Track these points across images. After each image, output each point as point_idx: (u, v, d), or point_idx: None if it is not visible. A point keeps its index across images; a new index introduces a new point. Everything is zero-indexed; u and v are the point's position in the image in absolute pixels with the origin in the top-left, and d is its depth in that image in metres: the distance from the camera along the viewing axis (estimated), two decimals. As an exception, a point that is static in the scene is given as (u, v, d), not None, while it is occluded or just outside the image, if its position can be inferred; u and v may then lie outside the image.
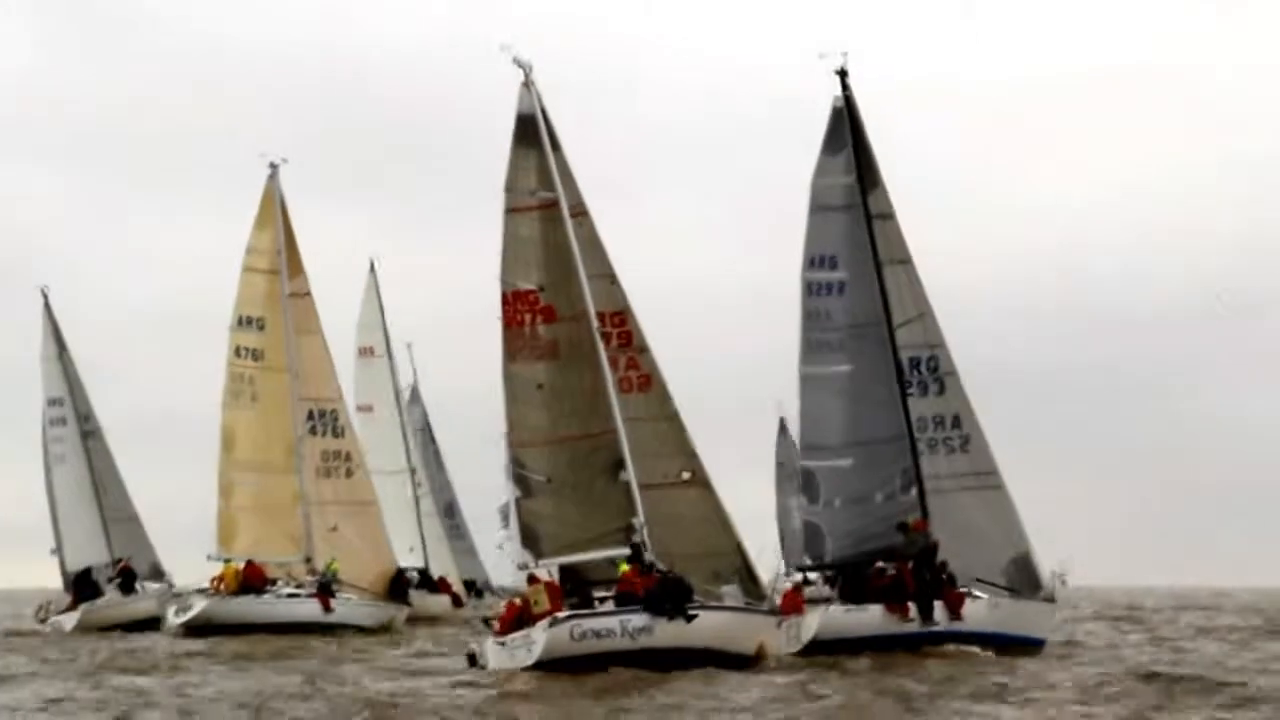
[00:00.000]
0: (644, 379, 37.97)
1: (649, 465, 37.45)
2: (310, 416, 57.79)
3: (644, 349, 38.01)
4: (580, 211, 37.85)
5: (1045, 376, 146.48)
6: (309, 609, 55.28)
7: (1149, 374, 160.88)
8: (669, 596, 35.03)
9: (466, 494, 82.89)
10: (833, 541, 41.53)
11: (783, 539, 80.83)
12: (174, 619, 56.47)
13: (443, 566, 71.89)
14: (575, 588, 36.98)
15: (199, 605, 55.87)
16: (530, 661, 35.07)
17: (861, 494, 41.52)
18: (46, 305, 66.13)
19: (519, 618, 36.50)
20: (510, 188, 37.78)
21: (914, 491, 41.20)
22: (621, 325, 37.90)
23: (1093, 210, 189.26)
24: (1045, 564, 41.08)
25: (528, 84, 37.84)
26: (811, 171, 42.27)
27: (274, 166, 59.06)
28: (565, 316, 37.55)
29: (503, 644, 36.42)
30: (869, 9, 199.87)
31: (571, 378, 37.55)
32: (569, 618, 35.34)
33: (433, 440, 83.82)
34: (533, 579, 37.13)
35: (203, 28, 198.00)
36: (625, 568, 36.12)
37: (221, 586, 56.20)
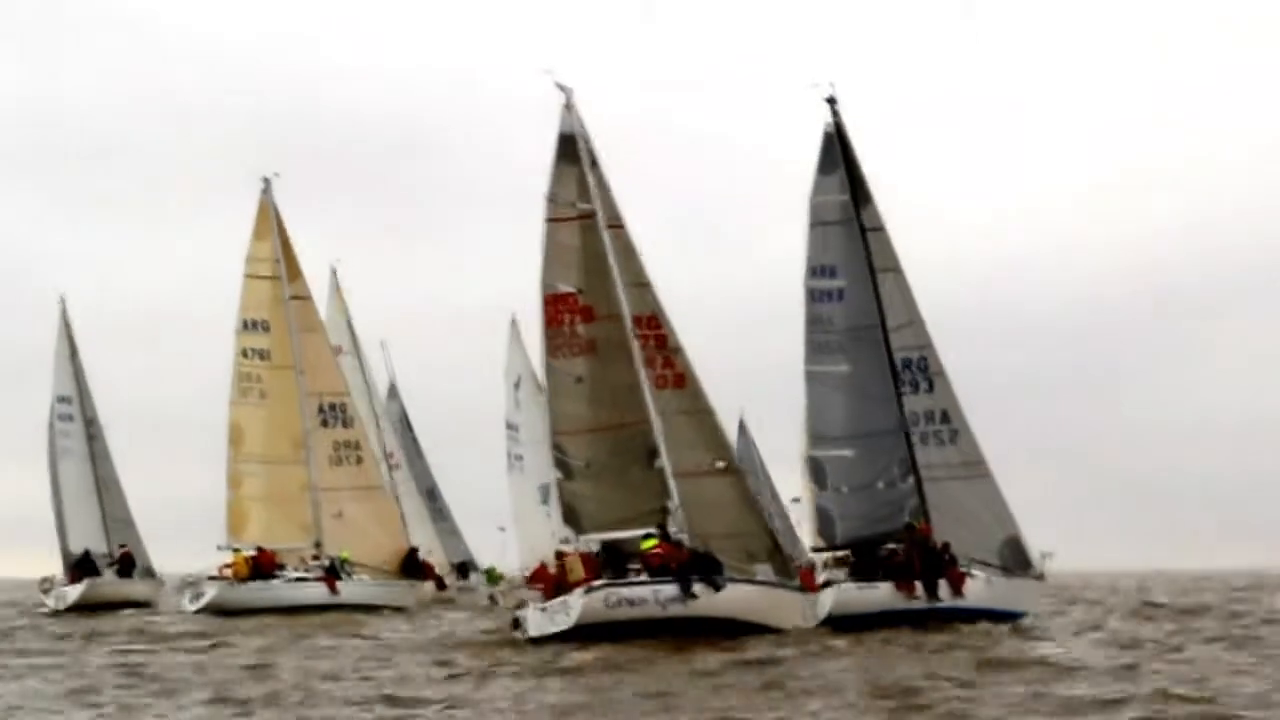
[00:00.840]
0: (679, 376, 41.12)
1: (685, 455, 40.45)
2: (321, 409, 61.50)
3: (678, 349, 41.17)
4: (617, 224, 41.16)
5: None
6: (315, 592, 58.58)
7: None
8: (699, 569, 38.09)
9: (445, 480, 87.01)
10: (842, 524, 44.96)
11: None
12: (188, 605, 59.71)
13: (426, 548, 75.16)
14: (611, 559, 40.13)
15: (211, 592, 59.18)
16: (568, 626, 37.88)
17: (864, 481, 44.97)
18: (63, 310, 70.82)
19: (558, 585, 39.69)
20: (552, 199, 41.11)
21: (911, 480, 44.78)
22: (656, 328, 41.05)
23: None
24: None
25: (569, 106, 41.22)
26: (809, 190, 45.86)
27: (267, 181, 63.22)
28: (602, 316, 40.85)
29: (543, 610, 39.28)
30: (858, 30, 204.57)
31: (609, 372, 40.76)
32: (604, 586, 38.35)
33: (410, 430, 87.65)
34: (560, 554, 40.63)
35: (200, 46, 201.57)
36: (649, 544, 39.08)
37: (232, 573, 59.60)
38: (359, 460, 61.79)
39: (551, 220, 41.22)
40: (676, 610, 37.78)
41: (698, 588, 37.89)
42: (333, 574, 59.16)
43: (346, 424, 61.81)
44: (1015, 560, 44.79)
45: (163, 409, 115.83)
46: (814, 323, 45.64)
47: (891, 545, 44.39)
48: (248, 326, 61.97)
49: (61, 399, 69.29)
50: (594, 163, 41.32)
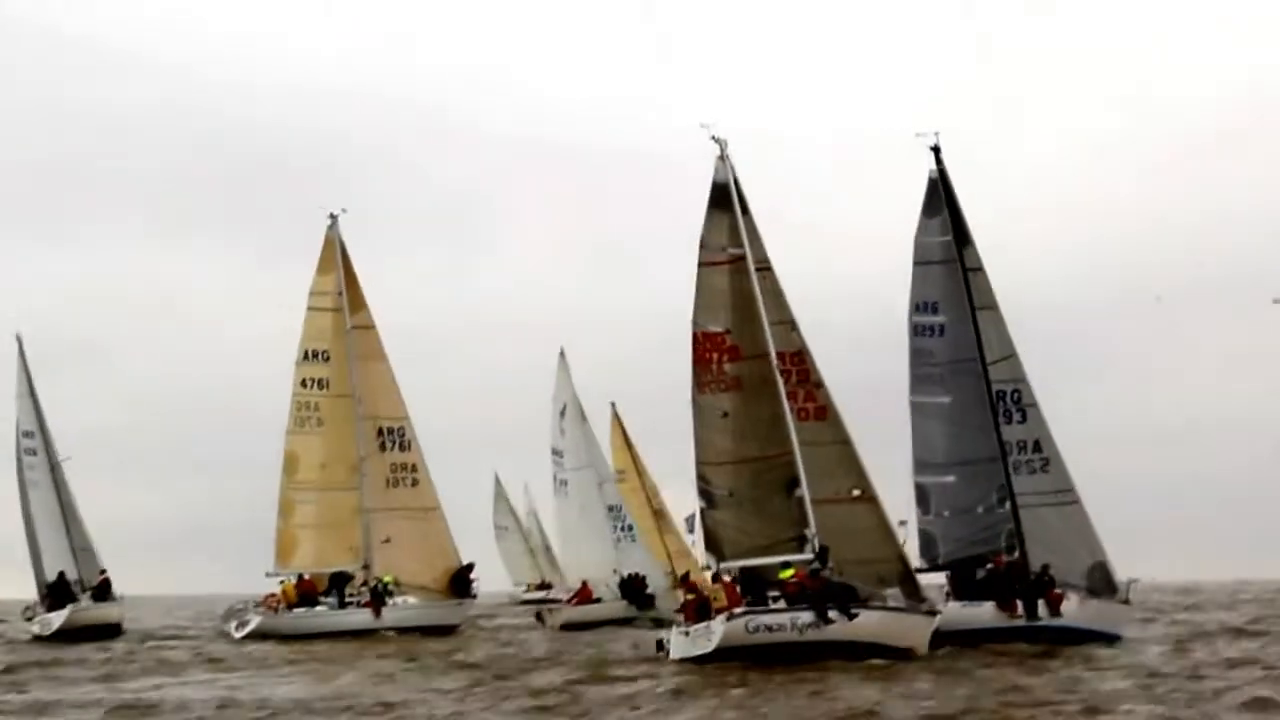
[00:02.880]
0: (820, 409, 43.71)
1: (823, 483, 42.96)
2: (380, 434, 63.59)
3: (820, 384, 43.74)
4: (765, 267, 43.81)
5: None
6: (359, 617, 60.68)
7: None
8: (834, 597, 40.57)
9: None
10: (944, 546, 47.96)
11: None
12: (233, 632, 61.76)
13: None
14: (750, 587, 42.61)
15: (256, 619, 61.41)
16: (709, 649, 40.30)
17: (965, 506, 48.00)
18: (20, 348, 70.95)
19: (698, 610, 42.10)
20: (704, 244, 43.70)
21: (1008, 505, 47.78)
22: (800, 364, 43.65)
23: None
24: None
25: (723, 157, 43.81)
26: (914, 231, 49.07)
27: (333, 216, 65.42)
28: (749, 355, 43.39)
29: (686, 634, 41.74)
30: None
31: (753, 407, 43.20)
32: (745, 612, 40.85)
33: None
34: (715, 577, 42.96)
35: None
36: (786, 574, 41.71)
37: (277, 602, 61.89)
38: (415, 483, 63.81)
39: (704, 265, 43.78)
40: (812, 635, 40.23)
41: (832, 614, 40.36)
42: (377, 599, 61.05)
43: (404, 447, 63.85)
44: (1103, 585, 47.73)
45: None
46: (917, 355, 48.70)
47: (990, 565, 47.36)
48: (308, 357, 64.11)
49: (26, 433, 70.03)
50: (744, 209, 43.93)
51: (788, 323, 43.91)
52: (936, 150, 49.20)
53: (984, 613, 46.40)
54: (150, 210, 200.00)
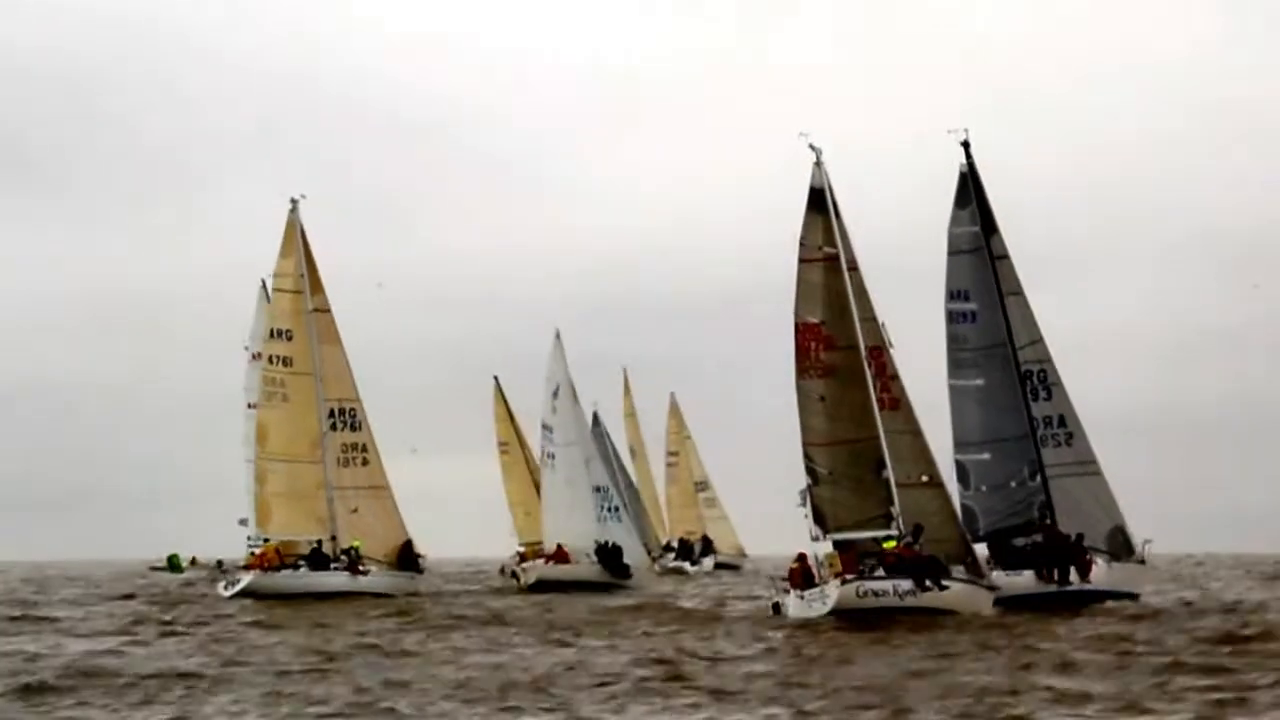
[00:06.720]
0: (894, 400, 47.00)
1: (896, 468, 46.54)
2: (332, 414, 65.69)
3: (895, 377, 47.04)
4: (854, 267, 46.93)
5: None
6: (338, 580, 63.39)
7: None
8: (927, 569, 44.81)
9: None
10: (983, 519, 51.24)
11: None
12: (223, 590, 64.57)
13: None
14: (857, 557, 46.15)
15: (245, 579, 64.08)
16: (824, 611, 44.42)
17: (999, 481, 51.48)
18: None
19: (806, 576, 46.32)
20: (803, 243, 46.89)
21: (1039, 479, 51.35)
22: (879, 358, 46.90)
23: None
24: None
25: (819, 163, 47.02)
26: (947, 223, 52.25)
27: (294, 201, 67.07)
28: (841, 345, 46.62)
29: (802, 597, 45.83)
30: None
31: (846, 392, 46.54)
32: (856, 579, 44.95)
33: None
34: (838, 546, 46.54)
35: None
36: (890, 544, 45.41)
37: (267, 563, 64.45)
38: (365, 462, 66.09)
39: (803, 261, 46.95)
40: (911, 601, 44.46)
41: (928, 583, 44.55)
42: (353, 564, 63.75)
43: (355, 428, 66.02)
44: (1122, 547, 51.62)
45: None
46: (953, 341, 52.01)
47: (1023, 540, 51.04)
48: (273, 335, 66.27)
49: None
50: (837, 212, 47.04)
51: (872, 319, 47.12)
52: (966, 145, 52.44)
53: (1024, 580, 49.91)
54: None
